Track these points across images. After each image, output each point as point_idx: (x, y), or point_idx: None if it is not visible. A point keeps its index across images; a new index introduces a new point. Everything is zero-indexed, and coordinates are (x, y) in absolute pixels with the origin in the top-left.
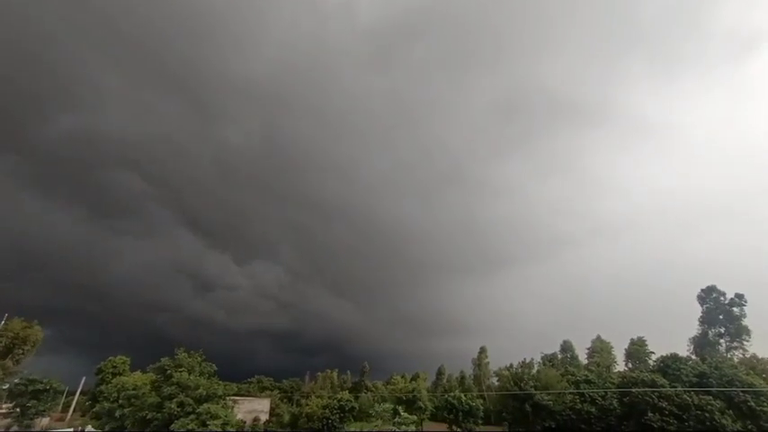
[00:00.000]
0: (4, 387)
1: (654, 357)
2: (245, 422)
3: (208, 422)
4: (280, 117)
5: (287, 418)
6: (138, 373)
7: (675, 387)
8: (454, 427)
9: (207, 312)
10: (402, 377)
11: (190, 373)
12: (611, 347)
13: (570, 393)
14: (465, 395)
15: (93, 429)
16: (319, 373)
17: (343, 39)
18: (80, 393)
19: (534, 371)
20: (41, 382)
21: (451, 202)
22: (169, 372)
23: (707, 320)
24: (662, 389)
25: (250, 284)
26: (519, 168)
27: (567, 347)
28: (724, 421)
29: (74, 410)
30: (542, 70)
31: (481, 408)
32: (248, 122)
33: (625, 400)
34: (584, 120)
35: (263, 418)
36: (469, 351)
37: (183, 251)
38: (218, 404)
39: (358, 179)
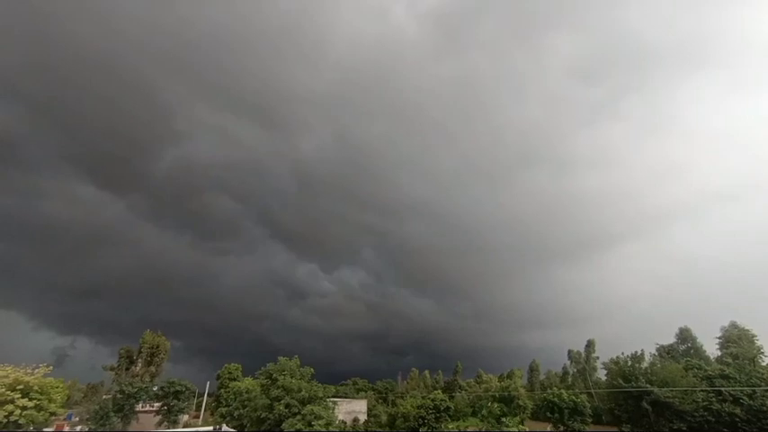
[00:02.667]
0: (154, 389)
1: None
2: (345, 422)
3: (312, 422)
4: (350, 121)
5: (384, 418)
6: (248, 379)
7: None
8: (560, 427)
9: (303, 318)
10: (499, 377)
11: (291, 377)
12: (754, 336)
13: (702, 391)
14: (567, 392)
15: (228, 429)
16: (411, 373)
17: (406, 30)
18: (207, 395)
19: (646, 364)
20: (180, 384)
21: (533, 183)
22: (274, 376)
23: None
24: None
25: (338, 290)
26: (609, 135)
27: (685, 336)
28: None
29: (204, 410)
30: (628, 16)
31: (588, 405)
32: (320, 131)
33: None
34: (680, 65)
35: (362, 418)
36: (564, 344)
37: (277, 263)
38: (319, 405)
39: (432, 172)
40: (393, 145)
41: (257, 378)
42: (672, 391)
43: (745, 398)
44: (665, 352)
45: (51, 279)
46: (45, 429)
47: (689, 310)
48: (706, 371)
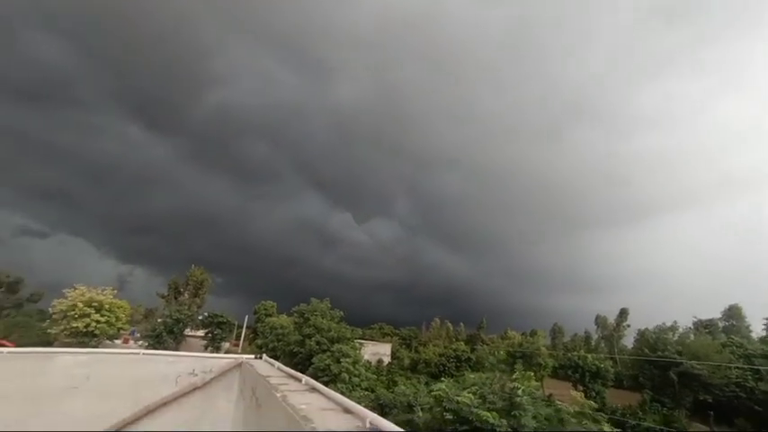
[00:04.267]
0: (199, 317)
1: None
2: (370, 362)
3: (340, 359)
4: (391, 66)
5: (407, 361)
6: (283, 316)
7: None
8: (579, 387)
9: (334, 265)
10: (522, 334)
11: (322, 318)
12: None
13: (738, 368)
14: (592, 356)
15: (268, 358)
16: (433, 322)
17: None
18: (245, 327)
19: (676, 336)
20: (221, 316)
21: (583, 141)
22: (306, 315)
23: None
24: None
25: (370, 241)
26: (678, 91)
27: (732, 314)
28: None
29: (243, 340)
30: None
31: (611, 370)
32: (360, 77)
33: None
34: None
35: (386, 359)
36: (593, 311)
37: (312, 211)
38: (347, 345)
39: (475, 122)
40: (435, 92)
41: (291, 316)
42: (702, 364)
43: None
44: (703, 326)
45: (110, 213)
46: (116, 341)
47: (738, 289)
48: (746, 349)
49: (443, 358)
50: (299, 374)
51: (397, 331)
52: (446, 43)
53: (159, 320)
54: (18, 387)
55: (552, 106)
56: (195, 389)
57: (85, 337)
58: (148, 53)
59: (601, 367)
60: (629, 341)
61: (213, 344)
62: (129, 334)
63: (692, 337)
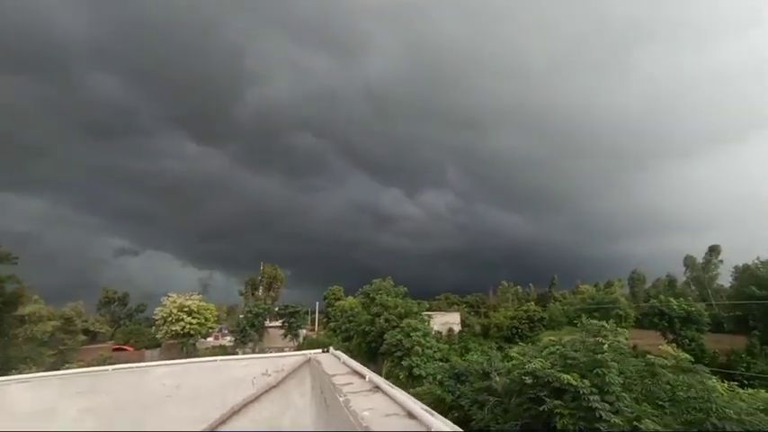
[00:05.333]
0: (275, 309)
1: None
2: (441, 333)
3: (411, 333)
4: (421, 26)
5: (477, 328)
6: (350, 298)
7: None
8: (669, 335)
9: (393, 242)
10: (595, 286)
11: (387, 296)
12: None
13: None
14: (678, 300)
15: (335, 351)
16: (501, 286)
17: None
18: (318, 313)
19: None
20: (294, 306)
21: (650, 64)
22: (372, 295)
23: None
24: None
25: (424, 213)
26: None
27: None
28: None
29: (318, 325)
30: None
31: (705, 314)
32: (389, 44)
33: None
34: None
35: (456, 328)
36: (682, 251)
37: (362, 192)
38: (416, 319)
39: (522, 71)
40: (474, 45)
41: (357, 297)
42: None
43: None
44: None
45: (183, 226)
46: (208, 339)
47: None
48: None
49: (515, 321)
50: (363, 370)
51: (464, 299)
52: None
53: (241, 317)
54: (126, 399)
55: (608, 33)
56: (271, 388)
57: (183, 338)
58: (184, 68)
59: (692, 311)
60: (725, 280)
61: (291, 332)
62: (219, 331)
63: None
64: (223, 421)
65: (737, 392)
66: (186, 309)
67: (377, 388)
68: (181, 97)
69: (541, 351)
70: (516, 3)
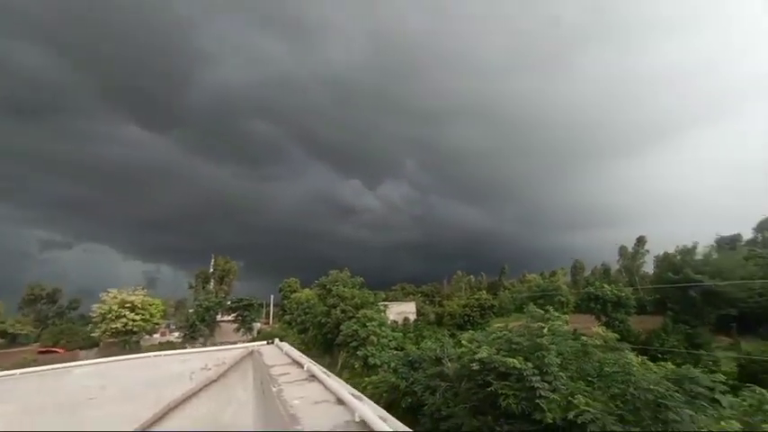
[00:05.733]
0: (227, 303)
1: None
2: (396, 322)
3: (366, 324)
4: (382, 17)
5: (432, 316)
6: (307, 290)
7: None
8: (603, 318)
9: (353, 233)
10: (541, 275)
11: (344, 287)
12: None
13: (761, 280)
14: (610, 286)
15: (279, 343)
16: (455, 276)
17: None
18: (273, 306)
19: (699, 256)
20: (247, 300)
21: (594, 65)
22: (328, 287)
23: None
24: None
25: (383, 205)
26: None
27: (766, 226)
28: None
29: (272, 318)
30: None
31: (632, 297)
32: (349, 32)
33: None
34: None
35: (412, 317)
36: (617, 242)
37: (321, 182)
38: (371, 309)
39: (478, 66)
40: (433, 38)
41: (313, 289)
42: (725, 281)
43: None
44: (726, 243)
45: (127, 215)
46: (154, 335)
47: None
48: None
49: (467, 309)
50: (303, 359)
51: (420, 289)
52: None
53: (190, 311)
54: (38, 404)
55: (558, 33)
56: (211, 382)
57: (126, 336)
58: (127, 46)
59: (621, 296)
60: (650, 268)
61: (244, 326)
62: (166, 327)
63: (714, 255)
64: (157, 420)
65: (649, 366)
66: (129, 305)
67: (313, 377)
68: (121, 76)
69: (489, 337)
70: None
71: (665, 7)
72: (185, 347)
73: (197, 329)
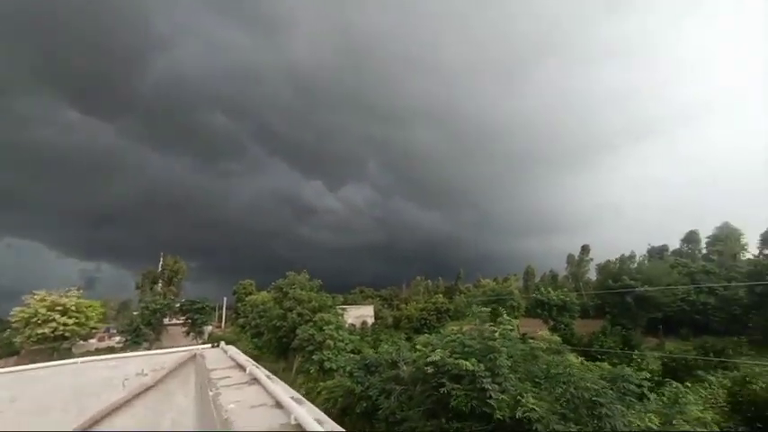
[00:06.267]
0: (176, 305)
1: None
2: (354, 326)
3: (323, 327)
4: (349, 15)
5: (390, 320)
6: (263, 293)
7: None
8: (550, 322)
9: (312, 234)
10: (494, 280)
11: (302, 290)
12: (741, 234)
13: (683, 286)
14: (555, 291)
15: (225, 346)
16: (414, 280)
17: None
18: (226, 308)
19: (635, 264)
20: (199, 302)
21: (546, 79)
22: (285, 289)
23: None
24: None
25: (344, 207)
26: (635, 22)
27: (692, 239)
28: None
29: (225, 321)
30: None
31: (576, 302)
32: (315, 29)
33: (756, 290)
34: None
35: (370, 321)
36: (566, 249)
37: (282, 182)
38: (329, 313)
39: (441, 70)
40: (398, 41)
41: (269, 292)
42: (655, 289)
43: (720, 289)
44: (656, 253)
45: (63, 208)
46: (90, 341)
47: (697, 214)
48: (689, 268)
49: (424, 312)
50: (246, 363)
51: (378, 293)
52: None
53: (135, 313)
54: None
55: (515, 46)
56: (147, 389)
57: (55, 342)
58: (70, 21)
59: (567, 301)
60: (593, 274)
61: (194, 329)
62: (105, 331)
63: (646, 263)
64: None
65: (588, 366)
66: (60, 307)
67: (254, 380)
68: (56, 53)
69: (443, 340)
70: (439, 4)
71: (612, 33)
72: (127, 353)
73: (141, 334)
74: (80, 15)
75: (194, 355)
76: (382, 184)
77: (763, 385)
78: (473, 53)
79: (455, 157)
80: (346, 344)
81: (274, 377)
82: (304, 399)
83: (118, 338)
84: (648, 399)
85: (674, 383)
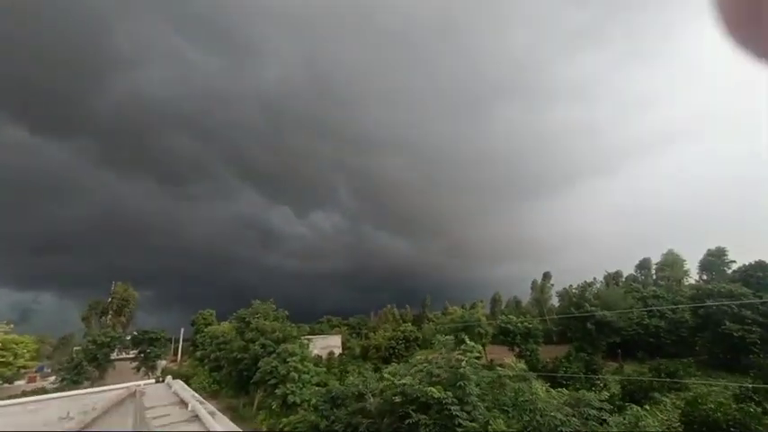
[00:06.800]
0: (127, 338)
1: (734, 267)
2: (321, 356)
3: (287, 359)
4: (321, 46)
5: (357, 350)
6: (224, 323)
7: (761, 296)
8: (515, 349)
9: (279, 262)
10: (462, 307)
11: (266, 319)
12: (684, 261)
13: (637, 310)
14: (519, 318)
15: (171, 380)
16: (384, 309)
17: None
18: (183, 341)
19: (594, 290)
20: (153, 332)
21: (507, 116)
22: (248, 319)
23: None
24: (743, 300)
25: (312, 233)
26: (588, 65)
27: (645, 265)
28: None
29: (181, 354)
30: None
31: (540, 329)
32: (288, 57)
33: (699, 312)
34: None
35: (337, 351)
36: (531, 275)
37: (248, 208)
38: (294, 344)
39: (410, 104)
40: (369, 74)
41: (231, 322)
42: (612, 312)
43: (669, 312)
44: (612, 278)
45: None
46: (17, 382)
47: (648, 242)
48: (642, 293)
49: (392, 341)
50: (189, 399)
51: (346, 322)
52: (380, 24)
53: (77, 348)
54: None
55: (478, 84)
56: None
57: None
58: (19, 30)
59: (531, 328)
60: (556, 301)
61: (146, 363)
62: (36, 371)
63: (602, 289)
64: None
65: (551, 393)
66: None
67: (195, 417)
68: (7, 68)
69: (411, 369)
70: (410, 41)
71: (573, 75)
72: (51, 395)
73: (83, 372)
74: (32, 26)
75: (134, 393)
76: (352, 210)
77: (713, 405)
78: (443, 88)
79: (424, 187)
80: (311, 376)
81: (218, 414)
82: None
83: (53, 378)
84: (608, 423)
85: (635, 407)
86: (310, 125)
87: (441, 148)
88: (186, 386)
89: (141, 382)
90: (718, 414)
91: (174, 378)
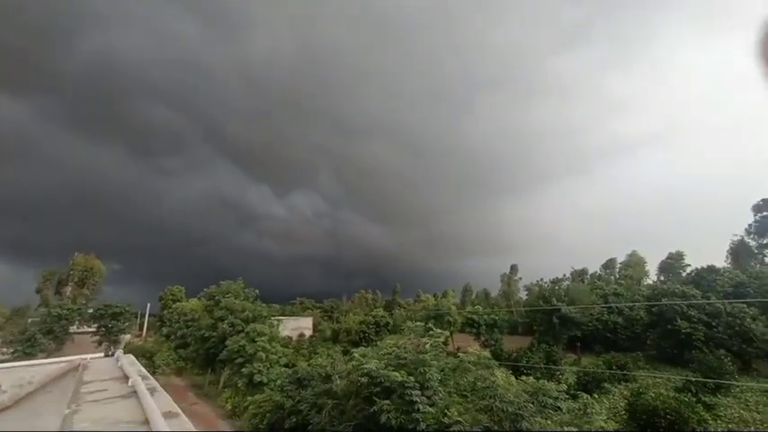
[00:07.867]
0: (89, 311)
1: (688, 270)
2: (291, 338)
3: (256, 339)
4: (310, 21)
5: (328, 332)
6: (193, 300)
7: (708, 297)
8: (481, 338)
9: (255, 242)
10: (434, 296)
11: (236, 298)
12: (645, 262)
13: (598, 306)
14: (484, 310)
15: (121, 354)
16: (357, 294)
17: None
18: (149, 316)
19: (564, 286)
20: (117, 307)
21: (492, 111)
22: (217, 298)
23: (758, 230)
24: (692, 300)
25: (290, 214)
26: (573, 63)
27: (610, 264)
28: (754, 326)
29: (147, 330)
30: None
31: (505, 320)
32: (275, 30)
33: (654, 310)
34: None
35: (308, 333)
36: (501, 269)
37: (225, 184)
38: (263, 324)
39: (397, 91)
40: (362, 55)
41: (200, 300)
42: (576, 307)
43: (626, 309)
44: (578, 276)
45: None
46: None
47: (614, 243)
48: (604, 290)
49: (363, 325)
50: (132, 373)
51: (319, 304)
52: (373, 10)
53: (31, 320)
54: None
55: (467, 76)
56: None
57: None
58: None
59: (497, 319)
60: (523, 294)
61: (108, 338)
62: None
63: (568, 285)
64: None
65: (511, 381)
66: None
67: (133, 393)
68: None
69: (380, 352)
70: (400, 26)
71: (557, 73)
72: None
73: (37, 344)
74: None
75: (77, 366)
76: (332, 194)
77: (653, 395)
78: (428, 78)
79: (405, 176)
80: (279, 357)
81: (160, 390)
82: (182, 414)
83: (4, 350)
84: (561, 410)
85: (585, 395)
86: (296, 104)
87: (423, 138)
88: (135, 361)
89: (88, 356)
90: (658, 402)
91: (116, 352)
